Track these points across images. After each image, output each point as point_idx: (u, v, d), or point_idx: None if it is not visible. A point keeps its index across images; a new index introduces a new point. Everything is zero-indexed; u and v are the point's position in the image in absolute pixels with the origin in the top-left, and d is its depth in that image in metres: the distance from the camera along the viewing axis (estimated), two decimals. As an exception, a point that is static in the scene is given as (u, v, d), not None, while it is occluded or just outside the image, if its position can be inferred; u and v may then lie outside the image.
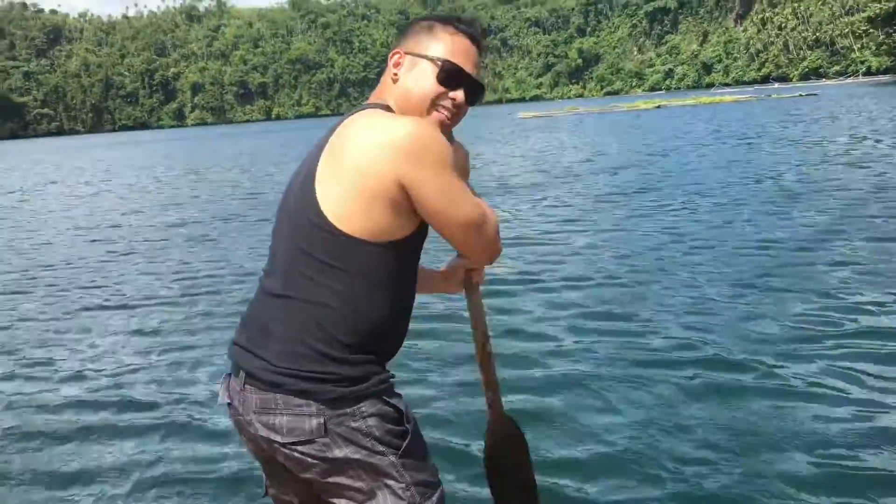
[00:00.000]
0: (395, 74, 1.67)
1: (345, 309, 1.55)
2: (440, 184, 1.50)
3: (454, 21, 1.69)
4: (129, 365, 5.17)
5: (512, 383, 4.31)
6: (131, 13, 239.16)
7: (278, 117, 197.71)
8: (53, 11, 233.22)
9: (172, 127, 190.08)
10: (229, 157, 33.94)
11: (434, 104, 1.64)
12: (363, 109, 1.64)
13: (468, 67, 1.66)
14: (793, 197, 10.30)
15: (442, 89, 1.64)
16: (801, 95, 56.73)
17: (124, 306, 6.92)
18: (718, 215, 9.37)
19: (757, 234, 8.00)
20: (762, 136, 21.90)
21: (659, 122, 35.41)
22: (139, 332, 6.00)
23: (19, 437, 4.05)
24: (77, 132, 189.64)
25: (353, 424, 1.56)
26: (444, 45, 1.65)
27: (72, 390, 4.74)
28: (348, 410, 1.55)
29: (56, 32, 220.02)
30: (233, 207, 14.13)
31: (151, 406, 4.40)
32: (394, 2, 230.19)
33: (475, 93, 1.68)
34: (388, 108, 1.63)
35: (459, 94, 1.65)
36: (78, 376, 5.01)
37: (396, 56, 1.68)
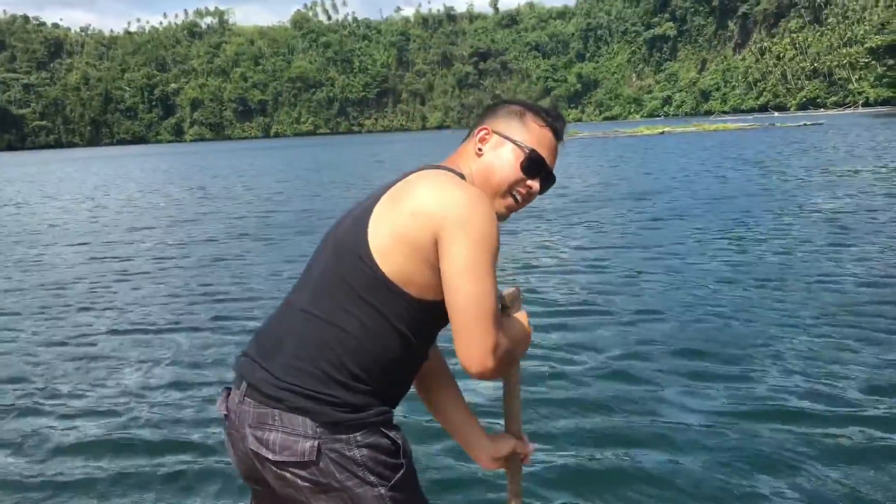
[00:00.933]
0: (481, 150, 1.71)
1: (364, 342, 1.57)
2: (468, 254, 1.50)
3: (543, 113, 1.74)
4: (137, 389, 4.95)
5: (621, 435, 3.87)
6: (133, 28, 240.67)
7: (277, 135, 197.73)
8: (55, 25, 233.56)
9: (171, 142, 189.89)
10: (232, 174, 33.50)
11: (511, 188, 1.69)
12: (439, 169, 1.68)
13: (549, 161, 1.72)
14: (846, 228, 9.88)
15: (522, 176, 1.68)
16: (805, 125, 56.71)
17: (133, 327, 6.55)
18: (774, 245, 8.91)
19: (826, 267, 7.54)
20: (785, 164, 21.58)
21: (668, 148, 35.13)
22: (148, 355, 5.71)
23: (24, 470, 3.79)
24: (75, 145, 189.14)
25: (348, 452, 1.55)
26: (532, 134, 1.70)
27: (77, 421, 4.44)
28: (344, 437, 1.55)
29: (57, 46, 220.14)
30: (243, 226, 13.65)
31: (162, 430, 4.23)
32: (395, 23, 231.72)
33: (548, 184, 1.75)
34: (461, 177, 1.67)
35: (536, 184, 1.70)
36: (84, 404, 4.70)
37: (483, 132, 1.72)
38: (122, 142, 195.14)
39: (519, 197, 1.70)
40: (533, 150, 1.68)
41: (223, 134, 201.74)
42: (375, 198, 1.63)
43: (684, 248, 9.13)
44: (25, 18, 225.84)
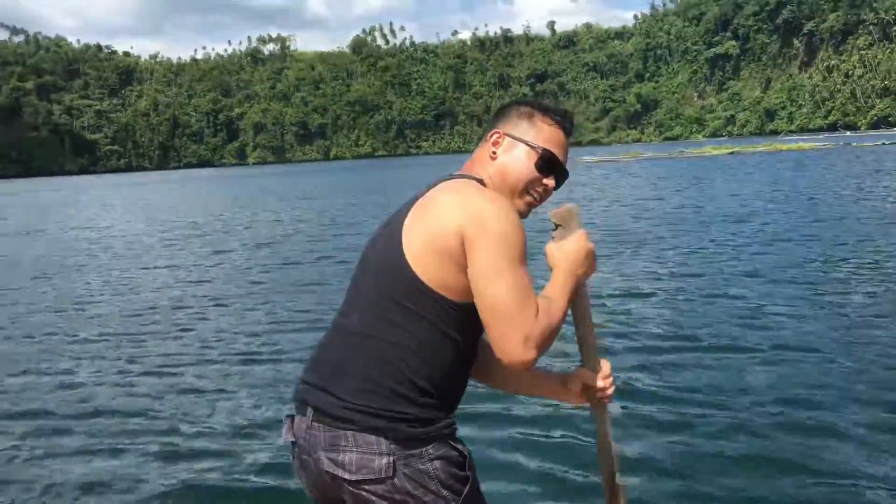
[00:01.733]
0: (494, 153, 1.76)
1: (420, 353, 1.61)
2: (489, 256, 1.54)
3: (552, 112, 1.79)
4: (222, 418, 4.87)
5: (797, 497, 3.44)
6: (199, 56, 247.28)
7: (336, 158, 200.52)
8: (126, 53, 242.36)
9: (234, 165, 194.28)
10: (299, 196, 33.63)
11: (528, 187, 1.75)
12: (458, 178, 1.75)
13: (561, 157, 1.77)
14: None
15: (537, 175, 1.74)
16: (884, 144, 54.44)
17: (222, 355, 6.36)
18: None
19: None
20: (884, 184, 20.37)
21: (746, 169, 33.89)
22: (236, 383, 5.60)
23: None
24: (144, 169, 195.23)
25: (421, 466, 1.58)
26: (542, 133, 1.76)
27: (163, 447, 4.38)
28: (416, 451, 1.58)
29: (128, 73, 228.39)
30: (320, 250, 13.35)
31: (244, 456, 4.22)
32: (451, 46, 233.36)
33: (562, 180, 1.81)
34: (480, 181, 1.73)
35: (551, 181, 1.76)
36: (173, 434, 4.62)
37: (496, 136, 1.78)
38: (188, 165, 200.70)
39: (536, 195, 1.76)
40: (545, 150, 1.73)
41: (284, 157, 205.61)
42: (404, 213, 1.69)
43: (807, 275, 8.37)
44: (98, 47, 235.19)
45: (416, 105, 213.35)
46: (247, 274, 10.98)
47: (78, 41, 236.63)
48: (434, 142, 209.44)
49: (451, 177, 1.76)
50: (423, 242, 1.60)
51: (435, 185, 1.72)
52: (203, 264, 12.30)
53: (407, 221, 1.65)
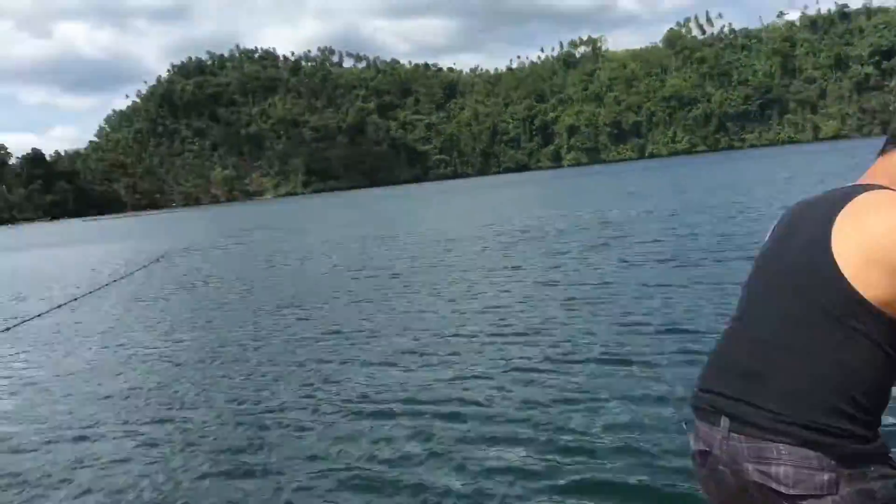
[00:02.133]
0: None
1: (856, 368, 1.56)
2: None
3: None
4: (588, 422, 4.75)
5: None
6: (514, 65, 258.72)
7: (652, 155, 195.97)
8: (450, 69, 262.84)
9: (549, 168, 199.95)
10: (621, 196, 33.08)
11: None
12: (880, 189, 1.66)
13: None
14: None
15: None
16: None
17: (570, 357, 6.21)
18: None
19: None
20: None
21: None
22: (590, 386, 5.53)
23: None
24: (467, 175, 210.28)
25: (863, 486, 1.53)
26: None
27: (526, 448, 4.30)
28: (859, 470, 1.54)
29: (451, 88, 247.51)
30: (661, 251, 12.72)
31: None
32: (777, 29, 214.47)
33: None
34: None
35: None
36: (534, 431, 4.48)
37: None
38: (507, 170, 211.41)
39: None
40: None
41: (598, 157, 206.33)
42: (825, 222, 1.63)
43: None
44: (426, 66, 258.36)
45: (737, 95, 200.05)
46: (590, 275, 10.83)
47: (409, 62, 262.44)
48: (760, 133, 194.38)
49: (872, 187, 1.67)
50: (865, 257, 1.54)
51: (852, 195, 1.64)
52: (543, 265, 12.49)
53: (835, 232, 1.59)
